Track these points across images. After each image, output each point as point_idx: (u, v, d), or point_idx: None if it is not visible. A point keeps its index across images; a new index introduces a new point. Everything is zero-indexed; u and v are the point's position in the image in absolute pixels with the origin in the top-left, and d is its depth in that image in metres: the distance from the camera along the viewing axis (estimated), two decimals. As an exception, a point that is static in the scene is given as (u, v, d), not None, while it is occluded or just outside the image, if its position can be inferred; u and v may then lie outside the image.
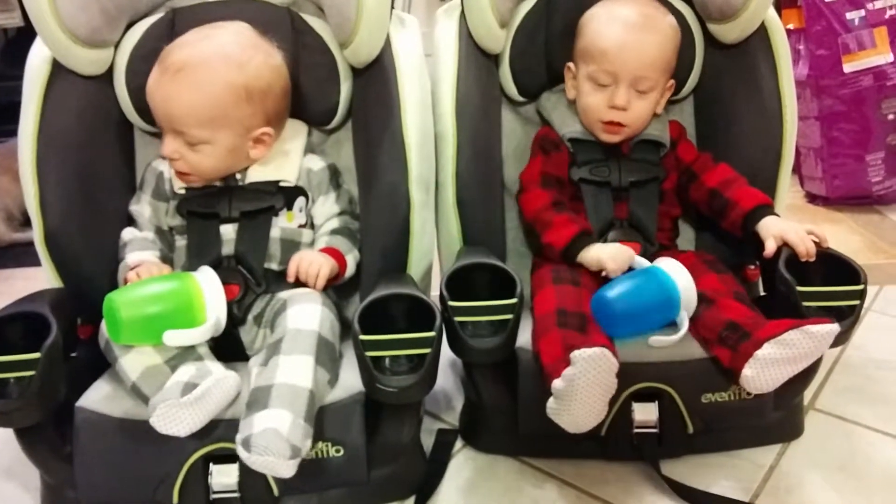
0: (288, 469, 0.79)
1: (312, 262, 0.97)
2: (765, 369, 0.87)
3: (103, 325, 0.89)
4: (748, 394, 0.95)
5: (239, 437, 0.79)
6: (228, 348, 0.96)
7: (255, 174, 1.02)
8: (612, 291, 0.94)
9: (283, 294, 0.97)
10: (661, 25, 1.08)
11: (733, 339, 0.91)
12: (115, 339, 0.86)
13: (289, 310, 0.92)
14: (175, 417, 0.81)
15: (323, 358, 0.88)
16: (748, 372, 0.88)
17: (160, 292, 0.88)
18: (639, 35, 1.05)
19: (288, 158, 1.04)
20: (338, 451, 0.88)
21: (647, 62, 1.06)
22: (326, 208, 1.06)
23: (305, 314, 0.91)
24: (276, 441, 0.77)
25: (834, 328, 0.86)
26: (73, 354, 0.95)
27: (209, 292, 0.89)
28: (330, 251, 1.01)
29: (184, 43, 0.96)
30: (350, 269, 1.03)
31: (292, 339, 0.88)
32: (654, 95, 1.08)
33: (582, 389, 0.83)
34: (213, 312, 0.89)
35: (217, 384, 0.84)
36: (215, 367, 0.88)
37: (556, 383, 0.84)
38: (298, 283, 0.98)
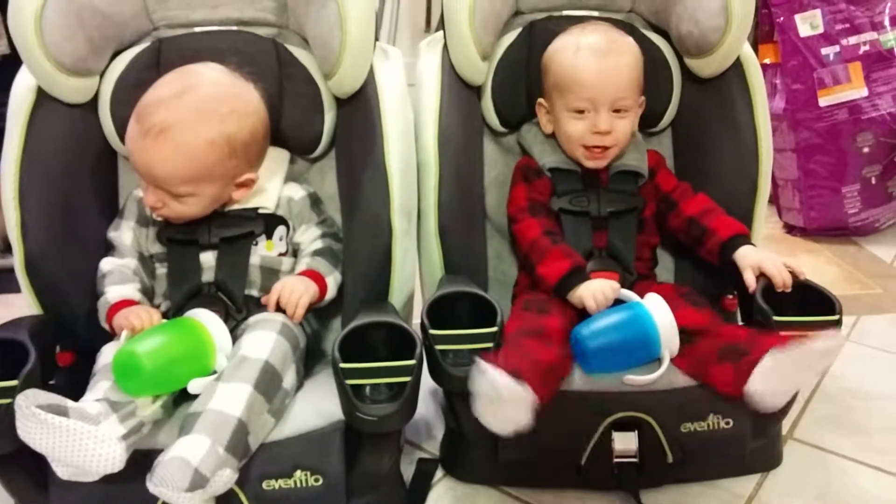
0: (185, 501, 0.76)
1: (294, 291, 0.97)
2: (769, 380, 0.87)
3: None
4: (727, 423, 0.95)
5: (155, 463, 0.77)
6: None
7: (235, 203, 1.02)
8: (588, 328, 0.95)
9: (251, 319, 0.97)
10: (626, 46, 1.11)
11: (735, 355, 0.90)
12: (130, 392, 0.83)
13: (244, 336, 0.92)
14: (25, 425, 0.76)
15: (264, 387, 0.86)
16: (754, 383, 0.88)
17: (175, 342, 0.87)
18: (611, 59, 1.07)
19: (267, 186, 1.04)
20: (317, 480, 0.87)
21: (623, 83, 1.08)
22: (309, 234, 1.06)
23: (258, 341, 0.90)
24: (178, 472, 0.75)
25: (837, 341, 0.89)
26: (52, 382, 0.94)
27: (217, 336, 0.91)
28: (310, 273, 1.01)
29: (161, 100, 0.93)
30: (331, 291, 1.02)
31: (236, 366, 0.87)
32: (632, 114, 1.11)
33: (482, 406, 0.83)
34: (222, 355, 0.90)
35: (72, 428, 0.75)
36: (107, 425, 0.78)
37: (471, 384, 0.83)
38: (279, 310, 0.97)
